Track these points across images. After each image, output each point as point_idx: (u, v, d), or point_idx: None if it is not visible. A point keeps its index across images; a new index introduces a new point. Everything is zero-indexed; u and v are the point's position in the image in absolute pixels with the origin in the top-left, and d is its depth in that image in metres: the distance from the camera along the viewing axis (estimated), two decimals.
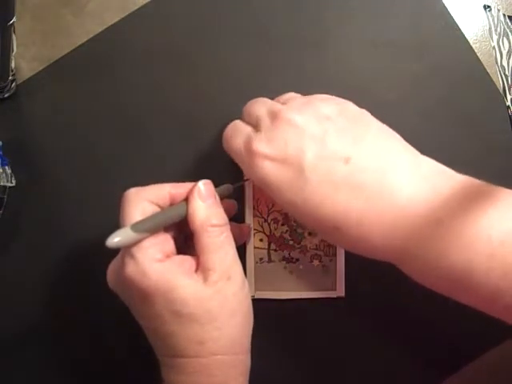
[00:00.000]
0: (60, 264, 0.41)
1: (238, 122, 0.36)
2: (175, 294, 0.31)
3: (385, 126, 0.33)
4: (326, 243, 0.40)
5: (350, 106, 0.34)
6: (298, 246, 0.40)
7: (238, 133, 0.34)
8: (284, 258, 0.40)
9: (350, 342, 0.41)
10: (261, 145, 0.32)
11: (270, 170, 0.31)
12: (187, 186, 0.34)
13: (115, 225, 0.41)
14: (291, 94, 0.37)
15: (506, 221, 0.28)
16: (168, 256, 0.32)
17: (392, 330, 0.41)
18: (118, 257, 0.34)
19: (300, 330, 0.41)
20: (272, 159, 0.31)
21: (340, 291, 0.40)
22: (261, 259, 0.40)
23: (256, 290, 0.40)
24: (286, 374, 0.41)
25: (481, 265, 0.27)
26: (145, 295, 0.31)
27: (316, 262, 0.40)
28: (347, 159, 0.30)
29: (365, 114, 0.33)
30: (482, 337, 0.39)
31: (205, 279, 0.32)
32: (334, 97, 0.34)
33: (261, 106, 0.34)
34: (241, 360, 0.34)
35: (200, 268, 0.32)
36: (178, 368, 0.32)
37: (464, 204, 0.28)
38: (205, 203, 0.33)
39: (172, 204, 0.34)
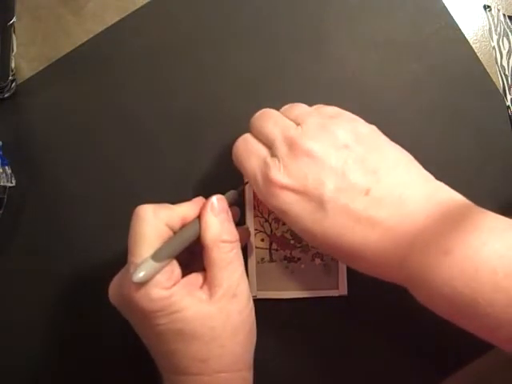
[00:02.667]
0: (60, 264, 0.41)
1: (249, 140, 0.35)
2: (179, 314, 0.31)
3: (397, 146, 0.33)
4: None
5: (361, 127, 0.33)
6: (299, 245, 0.40)
7: (251, 154, 0.34)
8: (285, 258, 0.40)
9: (353, 341, 0.41)
10: (279, 175, 0.32)
11: (288, 200, 0.31)
12: (197, 205, 0.34)
13: (115, 225, 0.41)
14: (299, 107, 0.36)
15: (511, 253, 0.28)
16: (175, 283, 0.32)
17: (394, 328, 0.40)
18: (122, 273, 0.34)
19: (302, 329, 0.41)
20: (291, 190, 0.31)
21: (342, 290, 0.40)
22: (262, 259, 0.40)
23: (258, 290, 0.40)
24: (289, 374, 0.41)
25: (485, 295, 0.27)
26: (148, 317, 0.31)
27: (318, 261, 0.40)
28: (367, 191, 0.30)
29: (377, 136, 0.33)
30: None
31: (210, 295, 0.32)
32: (342, 112, 0.34)
33: (273, 127, 0.34)
34: (244, 377, 0.34)
35: (206, 284, 0.33)
36: None
37: (472, 235, 0.28)
38: (217, 218, 0.33)
39: (183, 225, 0.34)
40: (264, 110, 0.36)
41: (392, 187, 0.31)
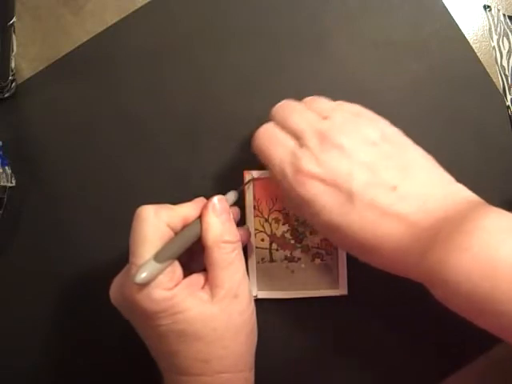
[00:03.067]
0: (60, 264, 0.41)
1: (274, 130, 0.35)
2: (181, 315, 0.31)
3: (420, 148, 0.34)
4: (328, 242, 0.40)
5: (387, 127, 0.34)
6: (300, 245, 0.40)
7: (277, 144, 0.34)
8: (286, 258, 0.40)
9: (354, 341, 0.41)
10: (310, 165, 0.32)
11: (317, 190, 0.31)
12: (198, 206, 0.34)
13: (115, 224, 0.41)
14: (322, 102, 0.36)
15: None
16: (177, 284, 0.32)
17: (395, 327, 0.40)
18: (123, 274, 0.34)
19: (303, 329, 0.41)
20: (321, 181, 0.31)
21: (343, 289, 0.40)
22: (262, 259, 0.40)
23: (258, 290, 0.40)
24: (289, 373, 0.41)
25: (503, 293, 0.27)
26: (150, 317, 0.31)
27: (318, 261, 0.40)
28: (394, 187, 0.31)
29: (402, 136, 0.34)
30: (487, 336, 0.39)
31: (212, 296, 0.32)
32: (365, 110, 0.35)
33: (299, 118, 0.34)
34: (245, 377, 0.34)
35: (208, 284, 0.33)
36: None
37: (490, 234, 0.28)
38: (219, 218, 0.33)
39: (184, 226, 0.34)
40: (286, 101, 0.36)
41: (417, 185, 0.31)
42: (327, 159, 0.32)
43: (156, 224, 0.32)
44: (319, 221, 0.32)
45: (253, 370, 0.35)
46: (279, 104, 0.36)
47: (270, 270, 0.40)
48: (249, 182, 0.39)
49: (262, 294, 0.40)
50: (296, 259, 0.40)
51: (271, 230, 0.40)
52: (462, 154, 0.42)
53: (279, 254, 0.40)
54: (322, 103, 0.36)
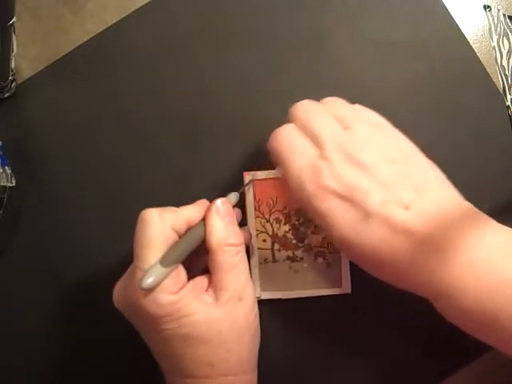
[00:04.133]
0: (60, 264, 0.41)
1: (294, 133, 0.34)
2: (187, 319, 0.31)
3: (434, 165, 0.34)
4: (330, 240, 0.40)
5: (405, 143, 0.34)
6: (302, 244, 0.40)
7: (297, 150, 0.33)
8: (288, 258, 0.40)
9: (358, 339, 0.40)
10: (330, 180, 0.31)
11: (334, 206, 0.31)
12: (202, 208, 0.34)
13: (115, 224, 0.41)
14: (343, 107, 0.35)
15: None
16: (182, 287, 0.32)
17: (398, 325, 0.40)
18: (126, 277, 0.34)
19: (307, 328, 0.41)
20: (339, 196, 0.31)
21: (346, 288, 0.40)
22: (265, 260, 0.40)
23: (261, 290, 0.40)
24: (293, 373, 0.40)
25: (508, 308, 0.28)
26: (156, 321, 0.31)
27: (320, 260, 0.40)
28: (408, 206, 0.31)
29: (418, 154, 0.34)
30: None
31: (216, 299, 0.32)
32: (384, 122, 0.35)
33: (322, 126, 0.33)
34: (249, 379, 0.34)
35: (212, 287, 0.33)
36: None
37: (496, 250, 0.29)
38: (223, 221, 0.33)
39: (188, 227, 0.34)
40: (306, 101, 0.35)
41: (431, 203, 0.31)
42: (348, 176, 0.31)
43: (161, 227, 0.32)
44: (333, 235, 0.32)
45: (256, 371, 0.35)
46: (299, 104, 0.35)
47: (273, 270, 0.40)
48: (249, 183, 0.39)
49: (266, 295, 0.40)
50: (298, 259, 0.40)
51: (273, 231, 0.40)
52: (461, 153, 0.42)
53: (281, 254, 0.40)
54: (342, 108, 0.35)
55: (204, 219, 0.34)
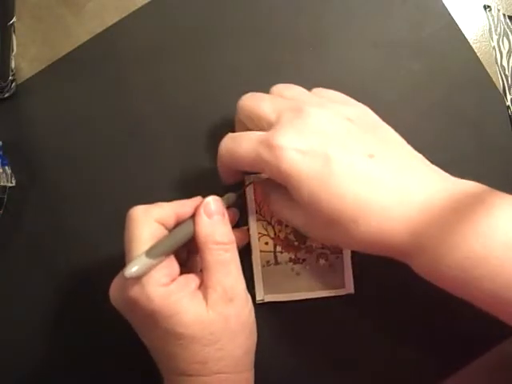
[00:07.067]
0: (60, 264, 0.41)
1: (232, 134, 0.35)
2: (178, 317, 0.31)
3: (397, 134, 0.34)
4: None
5: (368, 110, 0.35)
6: (304, 246, 0.40)
7: (242, 140, 0.33)
8: (291, 260, 0.40)
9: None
10: (285, 137, 0.31)
11: (296, 160, 0.31)
12: (192, 203, 0.34)
13: (115, 224, 0.41)
14: (294, 88, 0.36)
15: None
16: (173, 279, 0.32)
17: (398, 325, 0.40)
18: (121, 274, 0.33)
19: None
20: (298, 150, 0.31)
21: (349, 288, 0.39)
22: (268, 262, 0.40)
23: (265, 293, 0.39)
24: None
25: (496, 252, 0.28)
26: (148, 317, 0.31)
27: (322, 261, 0.40)
28: (371, 155, 0.31)
29: (380, 120, 0.34)
30: (492, 332, 0.39)
31: (205, 298, 0.32)
32: (347, 98, 0.35)
33: (270, 106, 0.34)
34: (245, 378, 0.34)
35: (202, 285, 0.33)
36: None
37: (480, 200, 0.29)
38: (210, 219, 0.33)
39: (178, 223, 0.34)
40: (252, 93, 0.36)
41: (394, 157, 0.32)
42: (302, 128, 0.31)
43: (145, 222, 0.32)
44: (301, 194, 0.31)
45: (252, 370, 0.35)
46: (245, 96, 0.36)
47: (276, 272, 0.40)
48: (248, 184, 0.39)
49: (269, 298, 0.40)
50: (301, 260, 0.40)
51: (274, 233, 0.40)
52: (462, 153, 0.42)
53: (284, 257, 0.40)
54: (295, 90, 0.36)
55: (193, 217, 0.34)
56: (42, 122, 0.43)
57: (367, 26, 0.43)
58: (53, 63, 0.43)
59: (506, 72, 0.43)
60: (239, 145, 0.33)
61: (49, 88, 0.43)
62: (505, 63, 0.43)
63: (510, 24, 0.43)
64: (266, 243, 0.40)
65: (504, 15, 0.44)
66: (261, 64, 0.43)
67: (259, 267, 0.39)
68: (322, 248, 0.40)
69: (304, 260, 0.40)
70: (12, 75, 0.41)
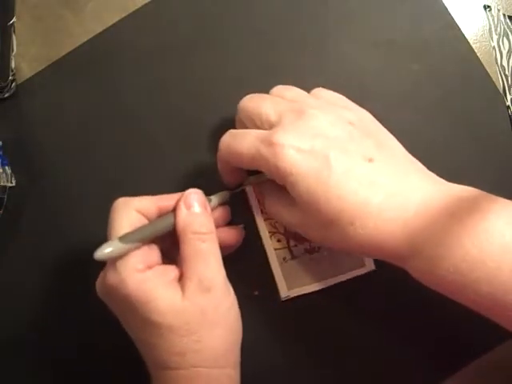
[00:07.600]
0: (60, 264, 0.41)
1: (233, 130, 0.35)
2: (153, 304, 0.31)
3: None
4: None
5: (367, 114, 0.35)
6: None
7: (242, 136, 0.34)
8: (306, 251, 0.39)
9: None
10: (286, 136, 0.31)
11: (295, 159, 0.31)
12: (175, 197, 0.35)
13: None
14: (293, 89, 0.36)
15: None
16: (150, 267, 0.32)
17: (398, 325, 0.40)
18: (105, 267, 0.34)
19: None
20: (298, 149, 0.31)
21: (369, 265, 0.39)
22: (284, 258, 0.39)
23: (288, 289, 0.39)
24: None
25: (493, 255, 0.27)
26: (125, 304, 0.31)
27: None
28: (370, 160, 0.31)
29: (378, 123, 0.35)
30: (492, 333, 0.38)
31: (182, 288, 0.32)
32: (347, 100, 0.36)
33: (271, 106, 0.34)
34: (227, 374, 0.33)
35: (181, 277, 0.33)
36: (162, 380, 0.32)
37: (475, 204, 0.29)
38: (189, 210, 0.33)
39: (160, 215, 0.34)
40: (253, 94, 0.36)
41: (393, 161, 0.32)
42: (303, 128, 0.32)
43: (124, 211, 0.33)
44: (299, 192, 0.31)
45: (238, 368, 0.34)
46: (246, 97, 0.36)
47: (295, 266, 0.39)
48: (246, 185, 0.39)
49: (294, 292, 0.39)
50: (317, 249, 0.39)
51: (285, 228, 0.39)
52: (462, 153, 0.42)
53: (299, 249, 0.39)
54: (293, 91, 0.36)
55: (174, 211, 0.34)
56: (41, 122, 0.43)
57: (367, 25, 0.43)
58: (53, 63, 0.43)
59: (506, 72, 0.43)
60: (239, 141, 0.33)
61: (49, 88, 0.43)
62: (505, 63, 0.43)
63: (510, 24, 0.43)
64: (279, 240, 0.39)
65: (504, 15, 0.44)
66: (260, 64, 0.43)
67: (277, 265, 0.39)
68: None
69: (319, 248, 0.39)
70: (12, 75, 0.41)
